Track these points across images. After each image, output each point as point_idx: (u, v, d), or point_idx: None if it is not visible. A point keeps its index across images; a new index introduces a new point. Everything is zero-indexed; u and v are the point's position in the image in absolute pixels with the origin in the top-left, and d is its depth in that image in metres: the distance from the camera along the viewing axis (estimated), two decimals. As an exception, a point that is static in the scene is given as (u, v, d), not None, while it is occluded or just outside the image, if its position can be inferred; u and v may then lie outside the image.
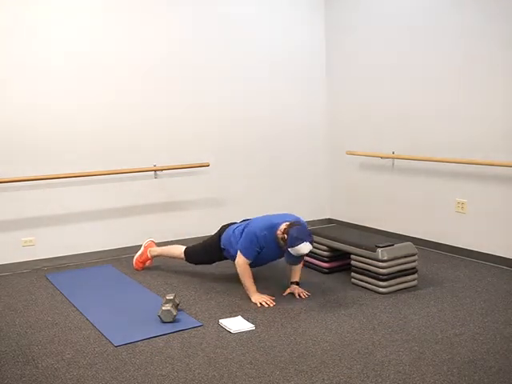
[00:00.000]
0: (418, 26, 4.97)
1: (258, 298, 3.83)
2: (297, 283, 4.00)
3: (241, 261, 3.85)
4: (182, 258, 4.43)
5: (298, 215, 5.96)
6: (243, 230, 3.95)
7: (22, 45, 4.61)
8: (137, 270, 4.69)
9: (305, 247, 3.56)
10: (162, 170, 5.22)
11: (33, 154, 4.74)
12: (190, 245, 4.47)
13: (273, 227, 3.77)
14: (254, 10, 5.62)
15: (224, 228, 4.22)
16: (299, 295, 3.92)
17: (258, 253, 3.84)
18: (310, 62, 6.00)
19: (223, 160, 5.61)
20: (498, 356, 2.91)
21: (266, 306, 3.75)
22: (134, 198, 5.21)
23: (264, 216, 4.00)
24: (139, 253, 4.69)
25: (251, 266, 3.91)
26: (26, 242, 4.80)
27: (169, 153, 5.32)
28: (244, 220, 4.27)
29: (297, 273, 4.02)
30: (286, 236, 3.61)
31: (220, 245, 4.15)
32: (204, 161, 5.48)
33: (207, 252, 4.27)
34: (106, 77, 4.97)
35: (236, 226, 4.13)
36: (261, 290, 3.98)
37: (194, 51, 5.36)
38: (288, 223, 3.69)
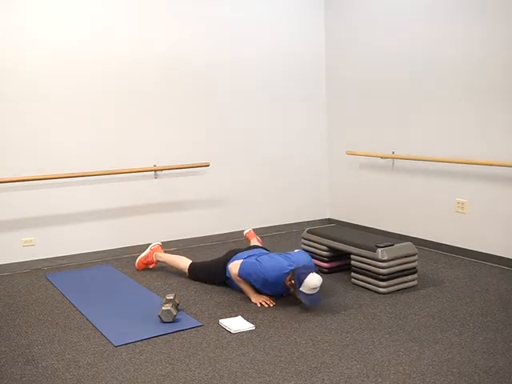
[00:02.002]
0: (418, 26, 4.97)
1: (257, 298, 3.82)
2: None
3: (233, 270, 3.82)
4: (184, 273, 4.41)
5: (299, 216, 6.07)
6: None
7: (20, 44, 4.62)
8: (138, 270, 4.69)
9: (313, 278, 3.49)
10: (162, 169, 5.22)
11: (33, 154, 4.74)
12: (197, 262, 4.38)
13: (281, 277, 3.67)
14: (254, 10, 5.62)
15: (230, 255, 4.11)
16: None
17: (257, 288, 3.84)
18: (309, 63, 6.00)
19: (223, 160, 5.61)
20: (498, 356, 2.91)
21: (266, 305, 3.75)
22: (134, 198, 5.22)
23: (274, 258, 3.78)
24: (144, 254, 4.66)
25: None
26: (25, 241, 4.80)
27: (169, 153, 5.32)
28: (250, 247, 4.18)
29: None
30: (293, 281, 3.55)
31: (225, 273, 4.09)
32: (204, 161, 5.49)
33: (211, 276, 4.21)
34: (107, 77, 4.98)
35: (245, 255, 4.00)
36: (261, 289, 3.99)
37: (194, 52, 5.36)
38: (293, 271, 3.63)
